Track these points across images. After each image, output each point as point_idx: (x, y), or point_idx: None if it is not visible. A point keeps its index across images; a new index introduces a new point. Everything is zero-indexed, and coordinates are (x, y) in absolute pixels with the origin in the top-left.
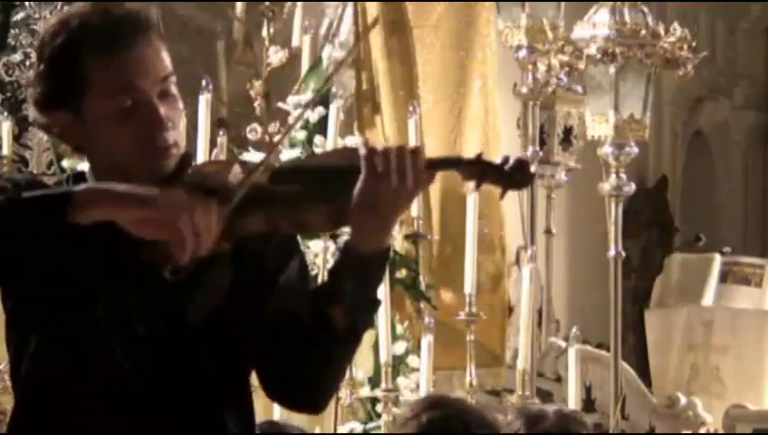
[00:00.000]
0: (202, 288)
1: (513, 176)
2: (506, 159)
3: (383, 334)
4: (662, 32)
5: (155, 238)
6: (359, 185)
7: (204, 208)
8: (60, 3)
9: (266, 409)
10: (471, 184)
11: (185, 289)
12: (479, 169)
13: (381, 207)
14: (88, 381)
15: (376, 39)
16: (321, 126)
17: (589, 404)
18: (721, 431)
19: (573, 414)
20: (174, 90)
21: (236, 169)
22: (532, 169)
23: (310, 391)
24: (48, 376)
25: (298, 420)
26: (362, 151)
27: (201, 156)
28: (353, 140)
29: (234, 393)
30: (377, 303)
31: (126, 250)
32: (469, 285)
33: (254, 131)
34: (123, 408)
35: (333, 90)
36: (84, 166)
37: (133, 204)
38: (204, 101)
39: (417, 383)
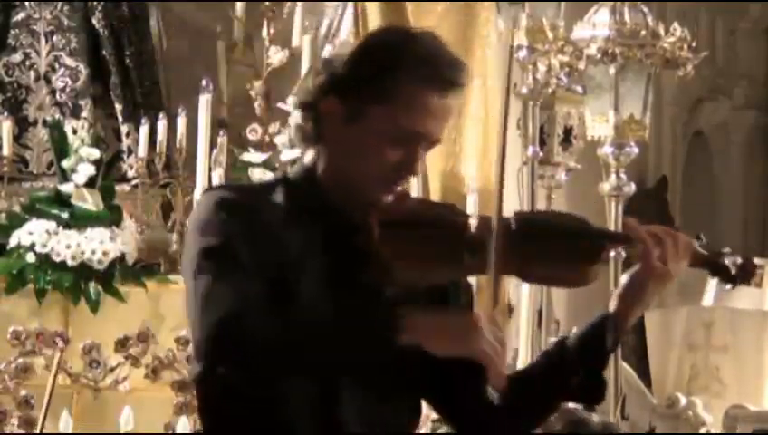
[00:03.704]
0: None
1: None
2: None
3: None
4: (662, 32)
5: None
6: (636, 269)
7: (492, 325)
8: (60, 3)
9: None
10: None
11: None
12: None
13: (652, 292)
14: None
15: None
16: None
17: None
18: (721, 431)
19: (615, 425)
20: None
21: (473, 222)
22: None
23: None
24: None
25: None
26: (644, 238)
27: (201, 156)
28: None
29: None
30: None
31: (349, 269)
32: None
33: (254, 131)
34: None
35: None
36: (85, 168)
37: (450, 341)
38: (204, 101)
39: None
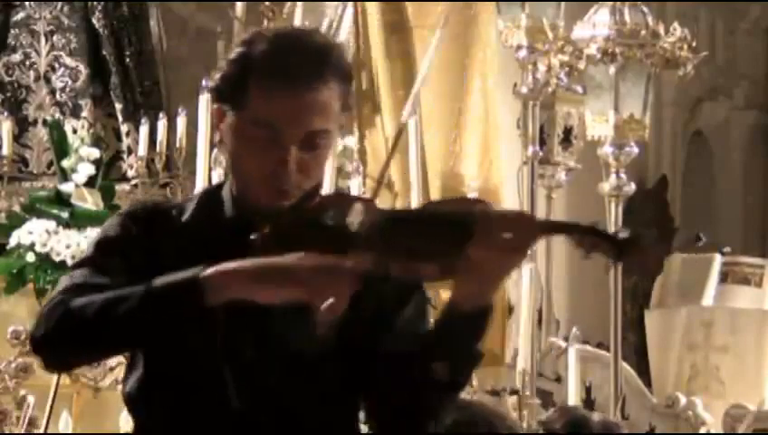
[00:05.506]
0: (313, 318)
1: (625, 249)
2: (618, 231)
3: None
4: (662, 32)
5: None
6: (469, 247)
7: (342, 272)
8: (60, 3)
9: None
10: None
11: (297, 317)
12: (591, 239)
13: (490, 270)
14: (194, 402)
15: (376, 39)
16: None
17: (589, 404)
18: (721, 431)
19: (616, 423)
20: (322, 144)
21: (358, 207)
22: (647, 241)
23: (410, 431)
24: (156, 390)
25: None
26: (477, 215)
27: (201, 156)
28: (352, 140)
29: (341, 426)
30: (479, 356)
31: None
32: None
33: None
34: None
35: None
36: (85, 168)
37: (268, 281)
38: (204, 101)
39: None
